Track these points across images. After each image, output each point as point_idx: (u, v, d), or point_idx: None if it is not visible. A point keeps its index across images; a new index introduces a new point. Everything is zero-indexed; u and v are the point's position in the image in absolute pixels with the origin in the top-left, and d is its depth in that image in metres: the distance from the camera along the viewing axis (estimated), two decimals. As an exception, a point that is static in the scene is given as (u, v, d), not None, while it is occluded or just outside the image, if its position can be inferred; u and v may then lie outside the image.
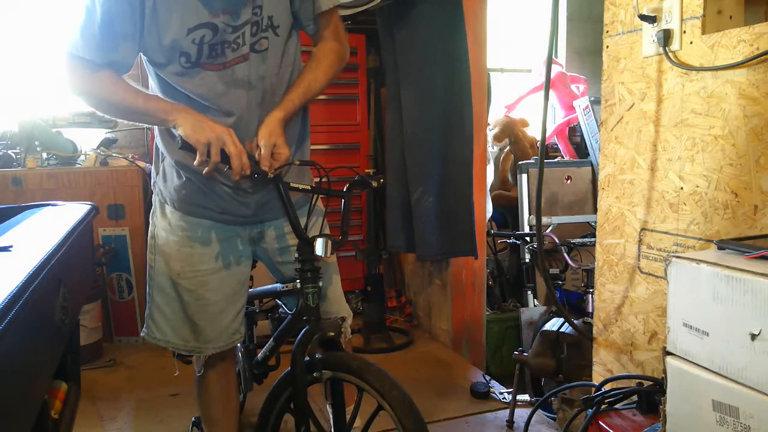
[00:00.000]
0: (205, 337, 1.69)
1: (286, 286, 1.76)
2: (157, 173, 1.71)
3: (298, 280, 1.61)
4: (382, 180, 1.78)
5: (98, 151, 3.46)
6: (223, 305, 1.70)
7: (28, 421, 1.09)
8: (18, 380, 0.98)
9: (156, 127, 1.64)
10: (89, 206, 1.82)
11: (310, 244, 1.58)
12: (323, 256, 1.57)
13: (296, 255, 1.60)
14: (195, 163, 1.44)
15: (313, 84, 1.62)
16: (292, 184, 1.56)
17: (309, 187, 1.61)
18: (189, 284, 1.67)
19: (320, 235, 1.58)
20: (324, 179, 1.61)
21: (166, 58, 1.50)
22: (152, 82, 1.62)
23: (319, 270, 1.61)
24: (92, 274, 2.96)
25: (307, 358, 1.56)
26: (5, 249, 1.20)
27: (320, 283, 1.62)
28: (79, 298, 1.68)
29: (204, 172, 1.46)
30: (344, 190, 1.66)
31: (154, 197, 1.74)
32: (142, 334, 1.75)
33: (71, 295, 1.42)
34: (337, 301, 1.82)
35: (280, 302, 1.92)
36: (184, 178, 1.63)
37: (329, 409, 1.70)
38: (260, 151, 1.49)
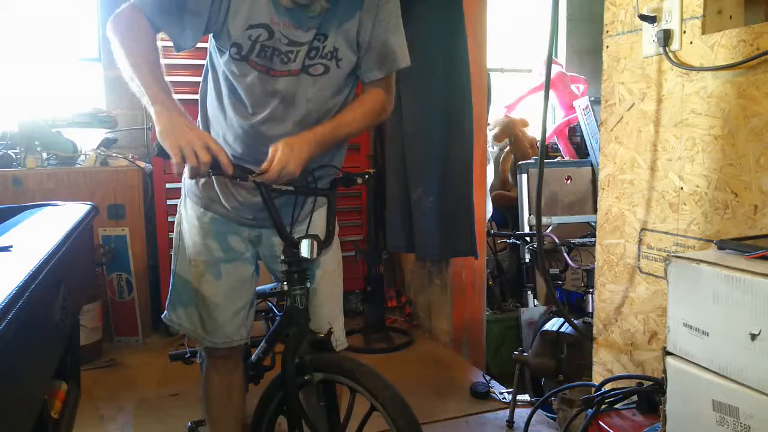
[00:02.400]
0: (205, 327, 1.72)
1: (275, 288, 1.75)
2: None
3: (284, 282, 1.60)
4: (368, 176, 1.72)
5: (98, 151, 3.46)
6: (219, 300, 1.70)
7: (28, 421, 1.09)
8: (18, 380, 0.98)
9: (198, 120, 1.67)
10: (89, 206, 1.83)
11: (295, 245, 1.56)
12: (309, 257, 1.56)
13: (281, 257, 1.59)
14: (173, 168, 1.43)
15: (351, 123, 1.61)
16: (274, 186, 1.53)
17: (292, 188, 1.58)
18: (195, 273, 1.70)
19: (305, 236, 1.56)
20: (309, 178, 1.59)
21: (224, 45, 1.53)
22: (210, 70, 1.63)
23: (306, 271, 1.59)
24: (92, 274, 2.96)
25: (298, 360, 1.54)
26: (5, 249, 1.20)
27: (308, 284, 1.60)
28: (79, 298, 1.68)
29: (188, 176, 1.44)
30: (328, 187, 1.64)
31: (182, 186, 1.78)
32: (162, 317, 1.79)
33: (71, 295, 1.43)
34: (328, 303, 1.77)
35: (270, 304, 1.92)
36: None
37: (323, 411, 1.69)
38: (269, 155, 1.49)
